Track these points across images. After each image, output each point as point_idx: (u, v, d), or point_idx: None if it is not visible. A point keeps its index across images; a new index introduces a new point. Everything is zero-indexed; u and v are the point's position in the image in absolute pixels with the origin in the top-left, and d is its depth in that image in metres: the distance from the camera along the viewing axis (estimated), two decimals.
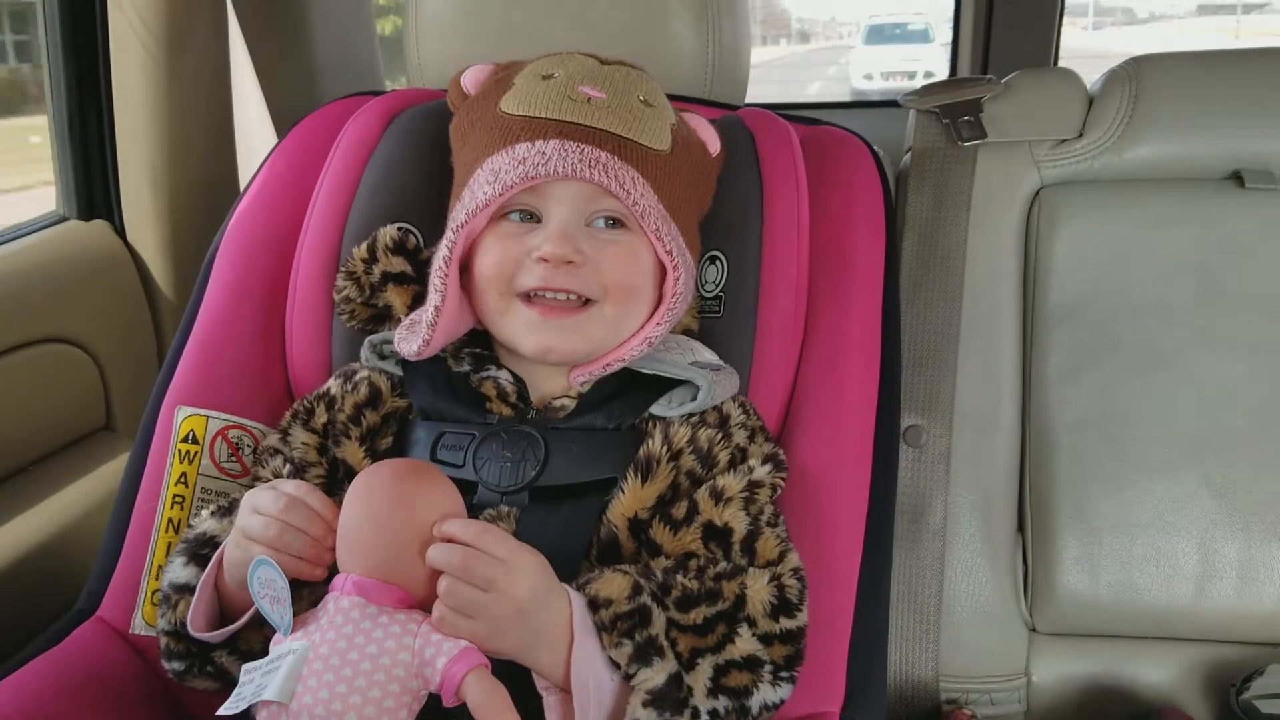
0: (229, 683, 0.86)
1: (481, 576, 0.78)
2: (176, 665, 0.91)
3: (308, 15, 1.74)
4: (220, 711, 0.79)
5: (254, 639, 0.88)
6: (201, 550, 0.91)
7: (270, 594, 0.80)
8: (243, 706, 0.78)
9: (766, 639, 0.87)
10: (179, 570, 0.91)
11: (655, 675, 0.82)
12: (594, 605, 0.83)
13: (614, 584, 0.84)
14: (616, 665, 0.83)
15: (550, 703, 0.82)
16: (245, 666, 0.80)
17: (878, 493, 1.03)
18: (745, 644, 0.86)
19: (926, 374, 1.38)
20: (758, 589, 0.88)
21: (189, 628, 0.87)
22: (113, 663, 1.01)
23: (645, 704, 0.81)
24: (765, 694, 0.86)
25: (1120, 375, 1.38)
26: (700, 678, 0.84)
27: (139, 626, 1.03)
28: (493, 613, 0.78)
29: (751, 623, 0.87)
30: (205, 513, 0.96)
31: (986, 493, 1.39)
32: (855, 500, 1.03)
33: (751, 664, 0.86)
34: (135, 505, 1.06)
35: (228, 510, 0.94)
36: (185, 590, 0.90)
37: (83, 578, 1.07)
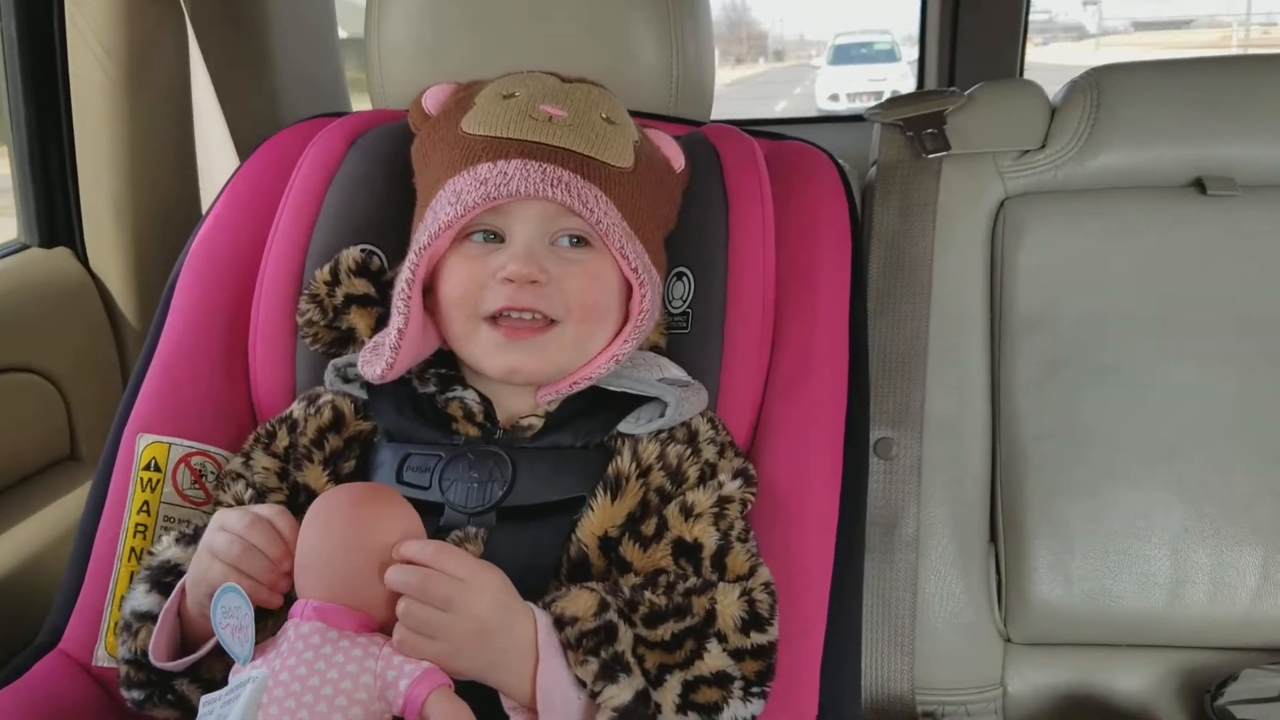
0: (189, 711, 0.86)
1: (439, 596, 0.78)
2: (136, 694, 0.89)
3: (270, 37, 1.73)
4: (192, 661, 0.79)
5: (216, 667, 0.87)
6: (164, 578, 0.90)
7: (233, 623, 0.78)
8: None
9: (737, 654, 0.87)
10: (141, 598, 0.89)
11: (621, 692, 0.81)
12: (559, 623, 0.83)
13: (579, 601, 0.84)
14: (583, 683, 0.82)
15: None
16: (205, 698, 0.79)
17: (848, 505, 1.03)
18: (715, 659, 0.85)
19: (896, 386, 1.38)
20: (728, 604, 0.87)
21: (151, 656, 0.86)
22: (75, 696, 0.99)
23: None
24: (736, 710, 0.85)
25: (1087, 383, 1.38)
26: (669, 694, 0.84)
27: (102, 659, 1.01)
28: (453, 632, 0.78)
29: (722, 638, 0.86)
30: (167, 539, 0.95)
31: (958, 503, 1.39)
32: (826, 513, 1.02)
33: (721, 680, 0.85)
34: (97, 535, 1.05)
35: (191, 538, 0.92)
36: (147, 618, 0.88)
37: (46, 609, 1.06)
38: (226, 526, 0.84)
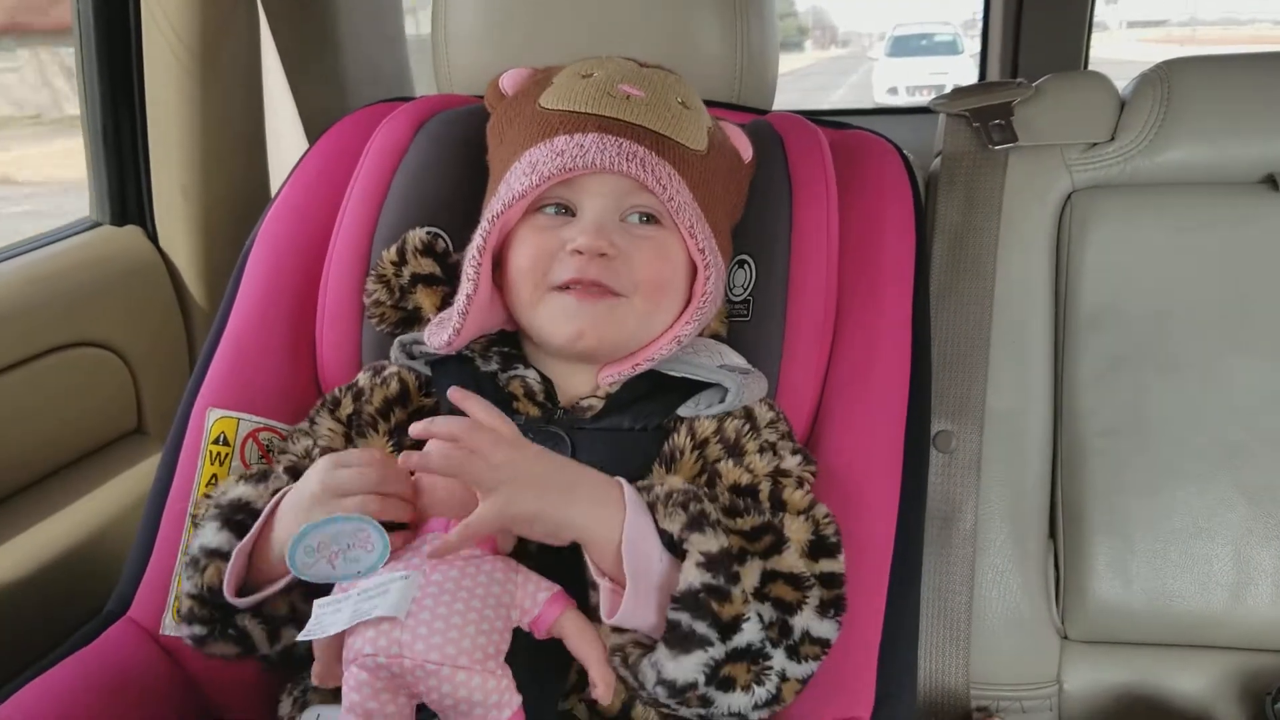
0: (248, 647, 0.89)
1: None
2: (198, 629, 0.89)
3: (338, 23, 1.75)
4: (302, 637, 0.81)
5: (280, 603, 0.89)
6: (235, 516, 0.90)
7: (335, 548, 0.81)
8: (339, 629, 0.79)
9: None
10: (211, 535, 0.89)
11: (709, 542, 0.81)
12: (647, 490, 0.85)
13: (665, 478, 0.88)
14: (668, 542, 0.82)
15: (603, 587, 0.82)
16: (319, 602, 0.82)
17: (908, 498, 1.03)
18: (792, 559, 0.85)
19: (957, 379, 1.37)
20: (795, 528, 0.87)
21: (226, 592, 0.86)
22: (142, 663, 1.01)
23: (699, 565, 0.80)
24: (810, 619, 0.84)
25: (1152, 380, 1.37)
26: (749, 574, 0.83)
27: (169, 627, 1.03)
28: (506, 460, 0.80)
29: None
30: (230, 479, 0.96)
31: (1017, 498, 1.38)
32: (885, 505, 1.02)
33: (797, 582, 0.84)
34: (166, 507, 1.07)
35: (260, 477, 0.93)
36: (216, 555, 0.88)
37: (114, 579, 1.08)
38: (347, 463, 0.85)
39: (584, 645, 0.82)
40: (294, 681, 0.96)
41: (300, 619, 0.84)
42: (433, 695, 0.78)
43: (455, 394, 0.86)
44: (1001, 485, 1.38)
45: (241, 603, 0.87)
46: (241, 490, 0.92)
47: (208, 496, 0.97)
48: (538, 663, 0.84)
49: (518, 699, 0.79)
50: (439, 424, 0.82)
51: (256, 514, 0.89)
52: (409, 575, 0.80)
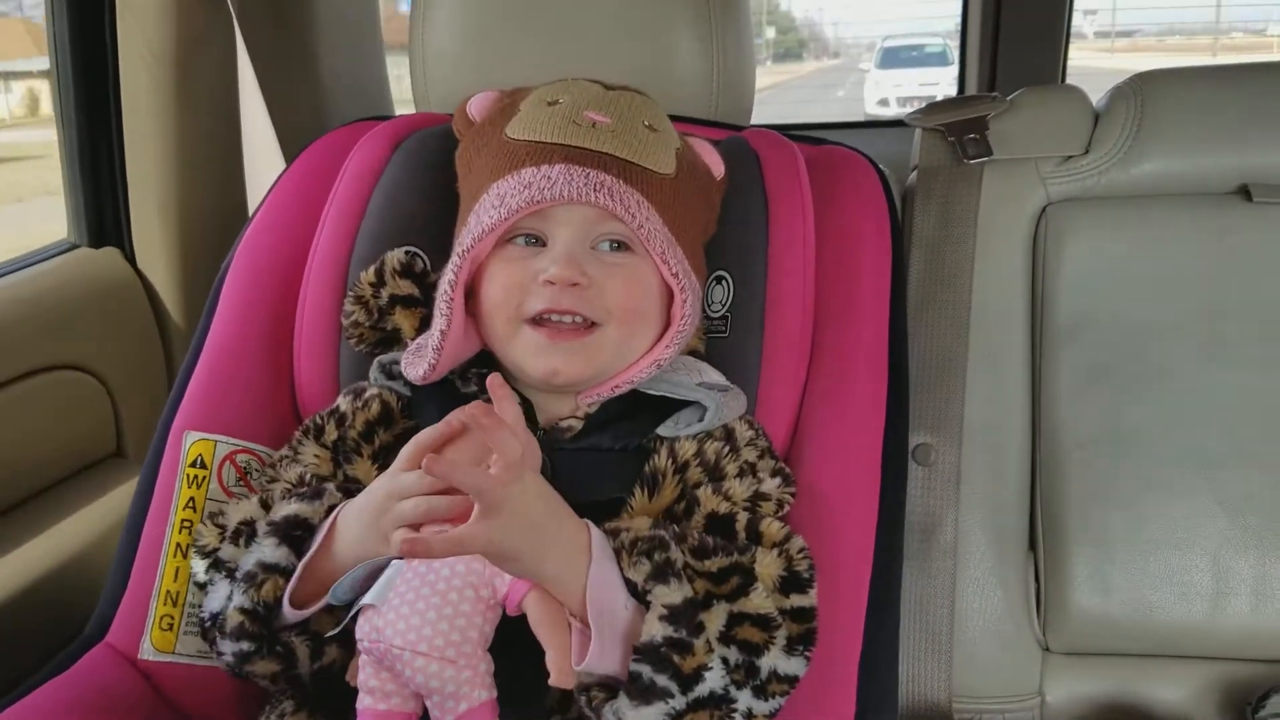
0: (289, 665, 0.90)
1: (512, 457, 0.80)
2: (245, 646, 0.89)
3: (316, 40, 1.75)
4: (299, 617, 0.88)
5: (325, 622, 0.90)
6: (293, 531, 0.91)
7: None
8: (321, 604, 0.87)
9: (778, 614, 0.87)
10: (270, 550, 0.90)
11: (673, 593, 0.82)
12: (614, 534, 0.86)
13: (632, 520, 0.88)
14: (633, 589, 0.83)
15: (573, 628, 0.83)
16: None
17: (887, 511, 1.03)
18: (759, 601, 0.85)
19: (935, 392, 1.38)
20: (767, 563, 0.88)
21: (288, 605, 0.88)
22: (120, 688, 1.01)
23: (662, 618, 0.81)
24: (777, 659, 0.85)
25: (1130, 391, 1.37)
26: (715, 620, 0.84)
27: (148, 652, 1.02)
28: (505, 507, 0.78)
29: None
30: (251, 502, 0.97)
31: (997, 511, 1.39)
32: (864, 519, 1.02)
33: (764, 623, 0.85)
34: (144, 530, 1.06)
35: (316, 494, 0.93)
36: (274, 570, 0.89)
37: (93, 603, 1.07)
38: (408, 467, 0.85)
39: (545, 627, 0.82)
40: (271, 705, 0.96)
41: (343, 636, 0.88)
42: (406, 677, 0.83)
43: (495, 384, 0.83)
44: (981, 497, 1.38)
45: (298, 616, 0.88)
46: (296, 507, 0.93)
47: (219, 524, 0.98)
48: (517, 657, 0.85)
49: (482, 694, 0.82)
50: (506, 446, 0.79)
51: (312, 529, 0.91)
52: (394, 564, 0.83)
